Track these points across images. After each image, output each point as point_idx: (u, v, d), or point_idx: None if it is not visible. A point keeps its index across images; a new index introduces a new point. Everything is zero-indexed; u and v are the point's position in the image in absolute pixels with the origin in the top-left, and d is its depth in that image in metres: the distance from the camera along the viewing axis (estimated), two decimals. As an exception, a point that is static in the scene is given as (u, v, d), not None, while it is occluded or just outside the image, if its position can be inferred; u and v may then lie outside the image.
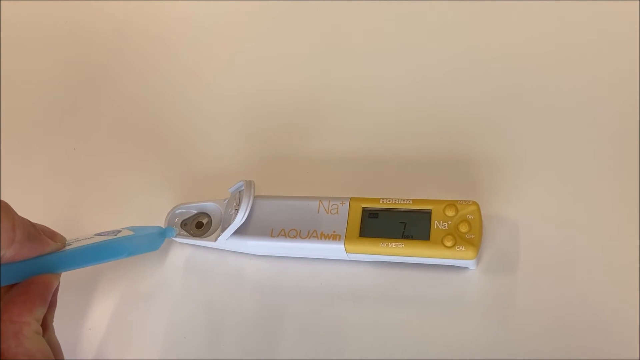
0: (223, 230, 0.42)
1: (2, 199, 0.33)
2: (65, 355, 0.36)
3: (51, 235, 0.36)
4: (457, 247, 0.38)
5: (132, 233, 0.41)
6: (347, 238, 0.40)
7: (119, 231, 0.41)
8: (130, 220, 0.45)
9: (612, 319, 0.37)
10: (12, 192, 0.49)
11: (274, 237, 0.41)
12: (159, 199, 0.47)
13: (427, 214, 0.39)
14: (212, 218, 0.44)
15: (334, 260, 0.42)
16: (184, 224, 0.45)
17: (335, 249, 0.40)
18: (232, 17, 0.58)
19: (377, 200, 0.41)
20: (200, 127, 0.51)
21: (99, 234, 0.40)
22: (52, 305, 0.36)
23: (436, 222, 0.39)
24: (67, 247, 0.37)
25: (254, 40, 0.56)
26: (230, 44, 0.56)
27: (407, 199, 0.40)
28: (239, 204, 0.42)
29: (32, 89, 0.58)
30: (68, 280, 0.42)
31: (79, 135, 0.53)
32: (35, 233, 0.34)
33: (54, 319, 0.37)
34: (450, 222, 0.39)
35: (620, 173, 0.41)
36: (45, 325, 0.35)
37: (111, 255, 0.39)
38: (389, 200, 0.40)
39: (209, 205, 0.45)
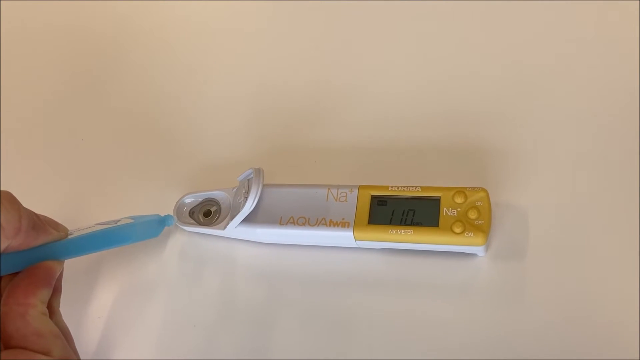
0: (232, 218, 0.42)
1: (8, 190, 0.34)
2: (74, 342, 0.37)
3: (54, 225, 0.37)
4: (466, 234, 0.38)
5: (131, 221, 0.42)
6: (356, 225, 0.40)
7: (119, 220, 0.42)
8: (139, 210, 0.45)
9: (620, 308, 0.37)
10: (19, 184, 0.49)
11: (283, 224, 0.41)
12: (168, 189, 0.47)
13: (436, 200, 0.39)
14: (221, 206, 0.44)
15: (342, 247, 0.42)
16: (192, 213, 0.45)
17: (344, 237, 0.40)
18: (241, 11, 0.58)
19: (385, 187, 0.41)
20: (208, 118, 0.51)
21: (100, 224, 0.41)
22: (57, 291, 0.37)
23: (445, 209, 0.39)
24: (69, 236, 0.38)
25: (262, 29, 0.56)
26: (237, 34, 0.56)
27: (416, 186, 0.40)
28: (248, 192, 0.42)
29: (38, 86, 0.58)
30: (77, 270, 0.43)
31: (86, 128, 0.53)
32: (40, 223, 0.35)
33: (61, 305, 0.37)
34: (459, 209, 0.39)
35: (631, 163, 0.41)
36: (52, 309, 0.36)
37: (111, 243, 0.40)
38: (398, 188, 0.40)
39: (218, 194, 0.45)
